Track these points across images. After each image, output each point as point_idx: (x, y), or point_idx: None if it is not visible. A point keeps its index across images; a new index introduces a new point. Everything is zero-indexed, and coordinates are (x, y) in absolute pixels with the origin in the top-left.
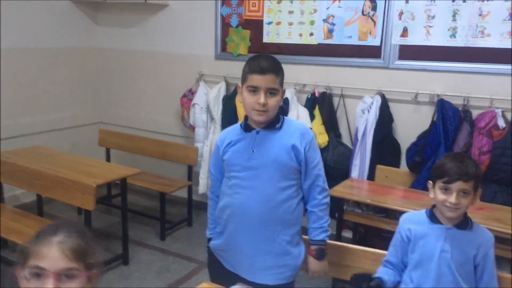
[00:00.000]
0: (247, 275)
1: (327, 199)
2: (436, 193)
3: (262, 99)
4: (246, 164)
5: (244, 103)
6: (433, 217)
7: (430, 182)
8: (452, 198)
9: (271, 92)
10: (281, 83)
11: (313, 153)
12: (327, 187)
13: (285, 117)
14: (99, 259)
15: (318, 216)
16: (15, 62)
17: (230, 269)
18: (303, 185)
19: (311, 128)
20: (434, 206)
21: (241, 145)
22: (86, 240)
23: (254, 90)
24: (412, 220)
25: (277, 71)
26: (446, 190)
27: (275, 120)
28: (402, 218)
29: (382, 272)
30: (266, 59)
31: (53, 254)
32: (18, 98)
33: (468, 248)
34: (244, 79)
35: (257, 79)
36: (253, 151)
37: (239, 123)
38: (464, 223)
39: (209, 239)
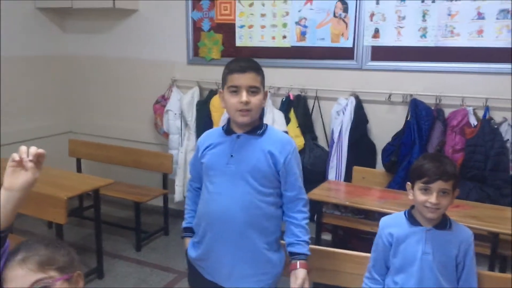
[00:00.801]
0: (227, 283)
1: (309, 214)
2: (415, 194)
3: (244, 97)
4: (224, 169)
5: (227, 106)
6: (412, 219)
7: (409, 183)
8: (433, 198)
9: (252, 90)
10: (262, 83)
11: (294, 164)
12: (308, 198)
13: (269, 125)
14: (72, 258)
15: (306, 230)
16: None
17: (210, 279)
18: (284, 194)
19: (286, 132)
20: (412, 207)
21: (220, 148)
22: (49, 248)
23: (235, 90)
24: (392, 224)
25: (257, 69)
26: (426, 191)
27: (258, 126)
28: (381, 223)
29: None
30: (245, 59)
31: (17, 274)
32: None
33: (449, 248)
34: (224, 81)
35: (237, 78)
36: (232, 155)
37: (221, 126)
38: (443, 223)
39: (185, 229)
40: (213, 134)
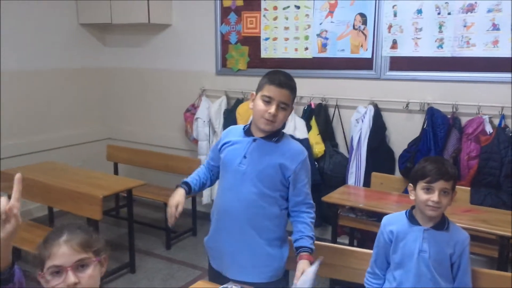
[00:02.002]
0: (228, 273)
1: (314, 215)
2: (418, 194)
3: (273, 110)
4: (235, 168)
5: (255, 110)
6: (412, 219)
7: (411, 185)
8: (435, 197)
9: (283, 106)
10: (292, 101)
11: (304, 172)
12: (313, 202)
13: (285, 133)
14: (103, 244)
15: (311, 228)
16: (27, 83)
17: (215, 268)
18: (290, 200)
19: (307, 139)
20: (412, 207)
21: (236, 147)
22: (87, 232)
23: (268, 100)
24: (393, 222)
25: (292, 88)
26: (428, 190)
27: (276, 133)
28: (384, 221)
29: None
30: (285, 75)
31: (64, 252)
32: (32, 117)
33: (445, 248)
34: (260, 88)
35: (273, 91)
36: (245, 156)
37: (243, 124)
38: (441, 223)
39: (183, 182)
40: (236, 131)
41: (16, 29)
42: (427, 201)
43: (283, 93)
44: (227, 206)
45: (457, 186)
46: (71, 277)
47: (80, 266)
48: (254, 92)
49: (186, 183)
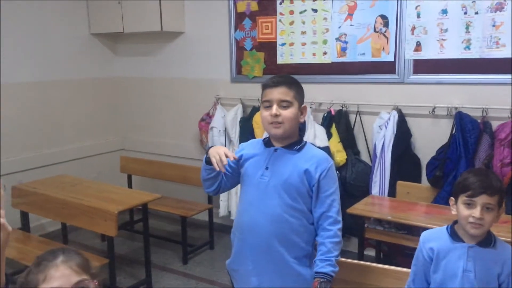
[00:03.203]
0: None
1: (340, 232)
2: (459, 209)
3: (274, 110)
4: (258, 180)
5: (262, 121)
6: (454, 235)
7: (452, 198)
8: (477, 213)
9: (284, 105)
10: (296, 98)
11: (328, 181)
12: (340, 219)
13: (308, 142)
14: (97, 270)
15: (328, 249)
16: (39, 94)
17: None
18: (314, 212)
19: (328, 147)
20: (455, 222)
21: (257, 159)
22: (82, 255)
23: (268, 105)
24: (433, 239)
25: (289, 84)
26: (469, 205)
27: (297, 142)
28: (423, 237)
29: None
30: (280, 75)
31: (64, 273)
32: (43, 129)
33: (492, 267)
34: (261, 98)
35: (269, 92)
36: (267, 167)
37: (261, 138)
38: (487, 240)
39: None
40: (256, 144)
41: (27, 40)
42: (469, 217)
43: (279, 91)
44: (251, 222)
45: None
46: None
47: None
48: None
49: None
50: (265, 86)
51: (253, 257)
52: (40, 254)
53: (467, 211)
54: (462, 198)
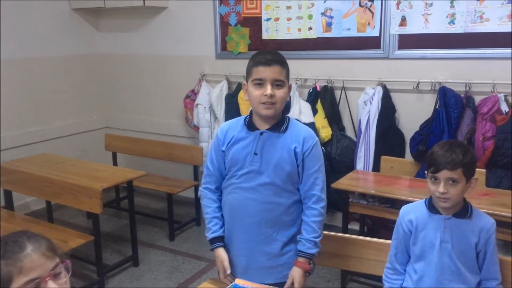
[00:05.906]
0: (244, 276)
1: (323, 210)
2: (428, 184)
3: (269, 90)
4: (247, 166)
5: (250, 98)
6: (432, 208)
7: (426, 172)
8: (440, 188)
9: (277, 84)
10: (287, 77)
11: (312, 158)
12: (324, 196)
13: (290, 118)
14: (61, 249)
15: (313, 229)
16: (20, 72)
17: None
18: (299, 188)
19: (313, 123)
20: None
21: (243, 144)
22: (46, 237)
23: (260, 83)
24: (412, 212)
25: (283, 63)
26: (435, 180)
27: (281, 122)
28: (402, 211)
29: None
30: (270, 52)
31: (39, 262)
32: (25, 107)
33: (468, 237)
34: (248, 74)
35: (263, 71)
36: (255, 153)
37: (242, 116)
38: (463, 211)
39: (212, 240)
40: (235, 125)
41: (5, 15)
42: (435, 192)
43: (273, 70)
44: (241, 205)
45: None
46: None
47: (54, 275)
48: (245, 81)
49: (217, 238)
50: (256, 63)
51: (243, 238)
52: (3, 247)
53: (433, 186)
54: (428, 174)
